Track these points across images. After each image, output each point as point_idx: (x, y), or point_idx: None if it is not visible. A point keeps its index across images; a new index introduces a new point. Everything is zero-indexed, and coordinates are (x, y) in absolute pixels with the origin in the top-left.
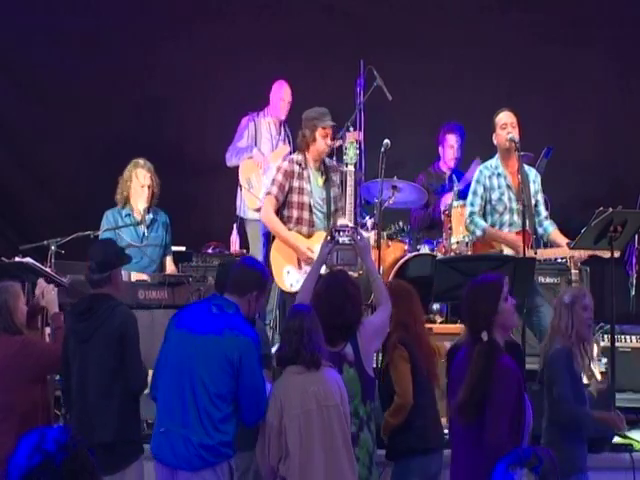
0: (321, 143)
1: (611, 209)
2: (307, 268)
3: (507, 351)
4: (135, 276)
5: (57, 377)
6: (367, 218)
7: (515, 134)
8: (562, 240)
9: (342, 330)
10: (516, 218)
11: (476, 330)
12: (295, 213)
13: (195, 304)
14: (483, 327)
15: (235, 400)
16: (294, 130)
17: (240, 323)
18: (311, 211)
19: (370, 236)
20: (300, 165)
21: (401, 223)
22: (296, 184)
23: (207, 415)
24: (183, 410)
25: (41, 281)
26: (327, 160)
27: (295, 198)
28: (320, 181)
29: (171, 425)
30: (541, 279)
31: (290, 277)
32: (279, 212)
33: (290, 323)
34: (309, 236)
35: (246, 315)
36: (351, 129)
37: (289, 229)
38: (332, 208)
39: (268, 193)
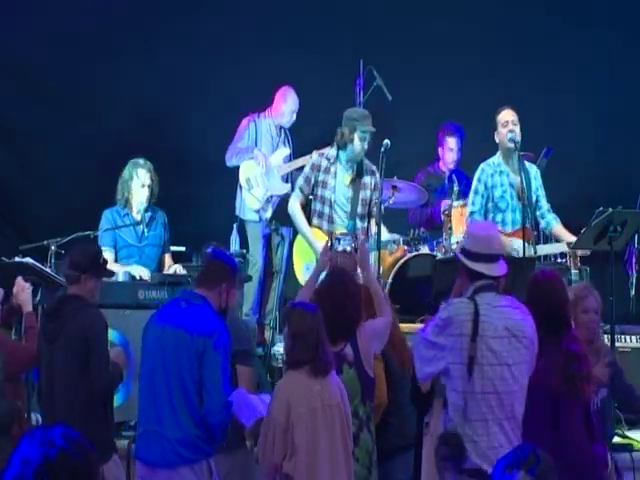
0: (358, 145)
1: (611, 209)
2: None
3: None
4: (136, 270)
5: None
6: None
7: (517, 132)
8: (565, 235)
9: (342, 329)
10: (518, 216)
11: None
12: (318, 207)
13: (167, 303)
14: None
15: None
16: (294, 132)
17: (207, 315)
18: (332, 207)
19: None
20: (329, 160)
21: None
22: (321, 177)
23: (181, 407)
24: (157, 407)
25: (19, 279)
26: (367, 162)
27: (319, 192)
28: (347, 179)
29: (147, 424)
30: None
31: (308, 274)
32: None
33: (305, 328)
34: (329, 233)
35: (218, 308)
36: None
37: (312, 223)
38: (359, 209)
39: (296, 186)
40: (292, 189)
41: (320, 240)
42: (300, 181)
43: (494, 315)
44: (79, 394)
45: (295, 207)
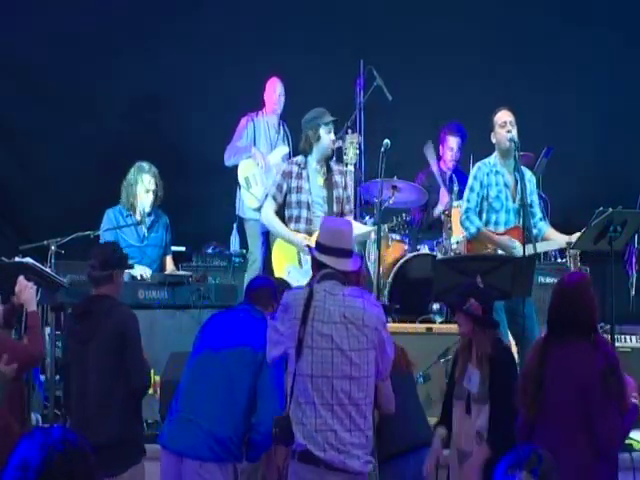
0: (326, 138)
1: (611, 209)
2: (308, 266)
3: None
4: (139, 270)
5: (57, 377)
6: (367, 218)
7: (514, 133)
8: (557, 236)
9: None
10: (512, 217)
11: (587, 329)
12: (294, 212)
13: (230, 309)
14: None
15: (251, 405)
16: (293, 130)
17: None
18: (309, 209)
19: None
20: (299, 165)
21: (404, 215)
22: (294, 184)
23: (223, 406)
24: (198, 398)
25: (21, 278)
26: (333, 162)
27: (294, 197)
28: (320, 180)
29: (184, 412)
30: (541, 279)
31: (291, 277)
32: (282, 213)
33: None
34: (308, 234)
35: None
36: (349, 131)
37: (288, 228)
38: (335, 208)
39: (268, 195)
40: None
41: (302, 237)
42: (272, 189)
43: (330, 302)
44: (115, 394)
45: (269, 213)
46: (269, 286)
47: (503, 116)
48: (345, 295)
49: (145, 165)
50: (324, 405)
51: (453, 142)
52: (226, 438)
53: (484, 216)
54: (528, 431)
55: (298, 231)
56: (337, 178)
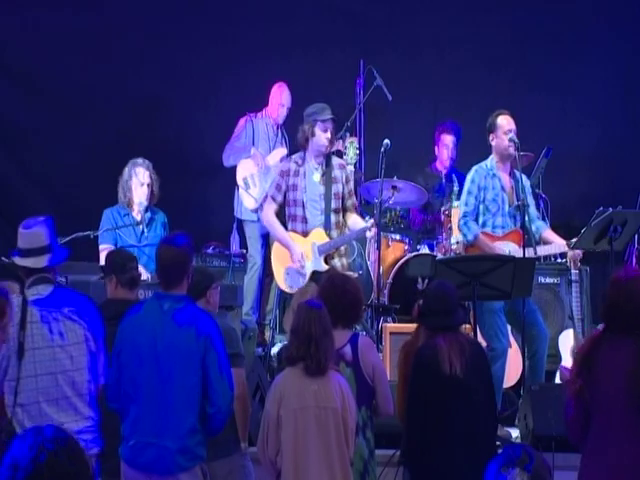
0: (320, 137)
1: (611, 209)
2: (306, 270)
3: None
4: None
5: None
6: (367, 218)
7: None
8: (555, 238)
9: (342, 322)
10: (508, 220)
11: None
12: (292, 210)
13: (143, 305)
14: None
15: (203, 398)
16: (292, 132)
17: (198, 314)
18: (304, 207)
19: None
20: (297, 163)
21: (398, 209)
22: (291, 181)
23: (186, 416)
24: (157, 418)
25: None
26: (335, 158)
27: (291, 196)
28: (317, 177)
29: (143, 436)
30: (541, 279)
31: (290, 278)
32: (283, 212)
33: (300, 324)
34: (304, 234)
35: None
36: (347, 134)
37: (287, 228)
38: (332, 204)
39: (267, 195)
40: None
41: (299, 242)
42: (271, 189)
43: (44, 303)
44: None
45: (269, 215)
46: (180, 261)
47: (509, 124)
48: (57, 294)
49: (138, 159)
50: (49, 402)
51: (447, 139)
52: (191, 445)
53: (481, 219)
54: (582, 424)
55: (295, 231)
56: (337, 173)
